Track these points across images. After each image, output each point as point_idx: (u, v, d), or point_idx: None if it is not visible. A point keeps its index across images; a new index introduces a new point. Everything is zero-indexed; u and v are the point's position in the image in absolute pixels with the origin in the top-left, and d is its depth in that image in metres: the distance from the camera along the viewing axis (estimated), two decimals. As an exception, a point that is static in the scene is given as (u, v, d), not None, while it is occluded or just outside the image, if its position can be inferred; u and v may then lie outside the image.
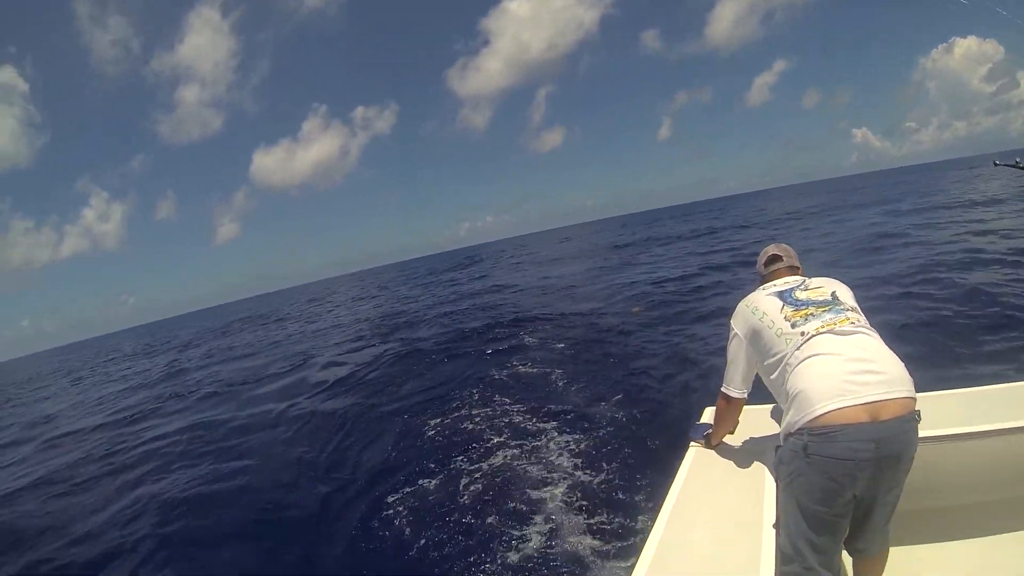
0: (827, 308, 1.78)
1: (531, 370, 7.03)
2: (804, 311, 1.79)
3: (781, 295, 1.89)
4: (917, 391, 1.61)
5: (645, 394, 5.53)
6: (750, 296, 1.99)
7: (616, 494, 3.85)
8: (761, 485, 1.89)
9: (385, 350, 10.34)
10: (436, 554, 3.57)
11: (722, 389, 2.02)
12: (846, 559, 1.83)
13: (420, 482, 4.56)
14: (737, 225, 27.68)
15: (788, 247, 2.15)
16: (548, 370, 6.86)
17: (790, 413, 1.66)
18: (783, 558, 1.62)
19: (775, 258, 2.11)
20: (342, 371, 9.37)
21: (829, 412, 1.54)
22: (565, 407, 5.54)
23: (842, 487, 1.56)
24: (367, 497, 4.53)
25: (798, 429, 1.61)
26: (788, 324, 1.77)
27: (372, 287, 38.99)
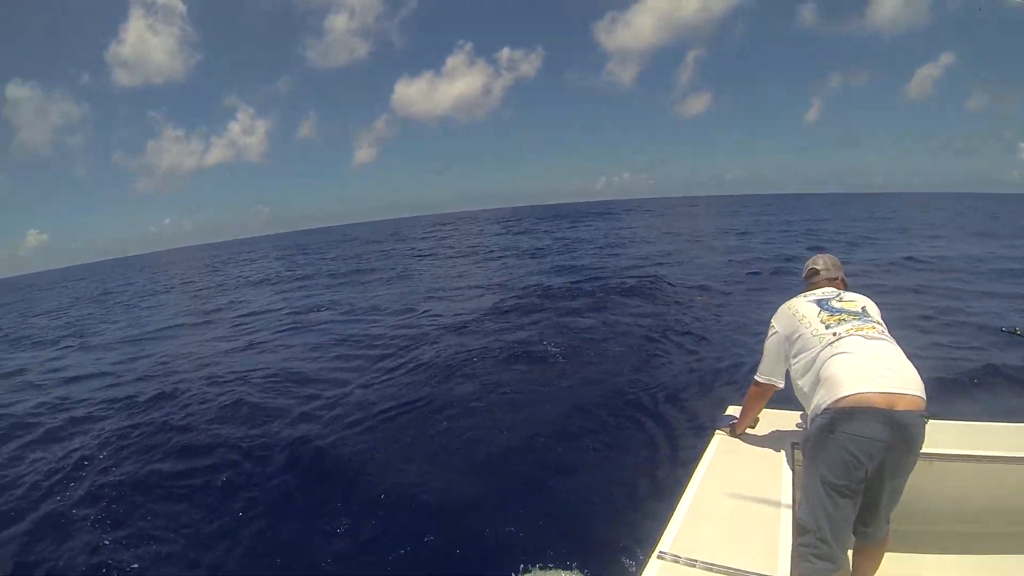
0: (857, 317, 2.05)
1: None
2: (838, 316, 2.06)
3: (819, 302, 2.16)
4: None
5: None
6: (792, 300, 2.26)
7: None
8: (779, 472, 2.14)
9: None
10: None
11: (755, 377, 2.29)
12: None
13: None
14: (898, 228, 24.79)
15: (829, 259, 2.40)
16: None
17: (819, 395, 1.89)
18: (800, 530, 1.84)
19: (814, 272, 2.39)
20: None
21: (853, 395, 1.78)
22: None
23: (859, 462, 1.77)
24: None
25: (824, 409, 1.84)
26: (823, 327, 2.04)
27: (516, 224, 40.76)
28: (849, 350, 1.90)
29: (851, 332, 1.96)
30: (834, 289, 2.27)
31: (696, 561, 1.63)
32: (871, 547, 2.04)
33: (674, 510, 1.90)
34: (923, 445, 1.84)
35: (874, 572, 2.06)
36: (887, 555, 2.20)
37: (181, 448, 5.15)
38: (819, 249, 3.06)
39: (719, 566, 1.61)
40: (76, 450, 5.40)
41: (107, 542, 3.74)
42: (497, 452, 4.52)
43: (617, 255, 17.88)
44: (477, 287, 13.33)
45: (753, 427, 2.50)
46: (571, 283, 12.03)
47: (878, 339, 1.95)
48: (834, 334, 1.98)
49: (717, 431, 2.53)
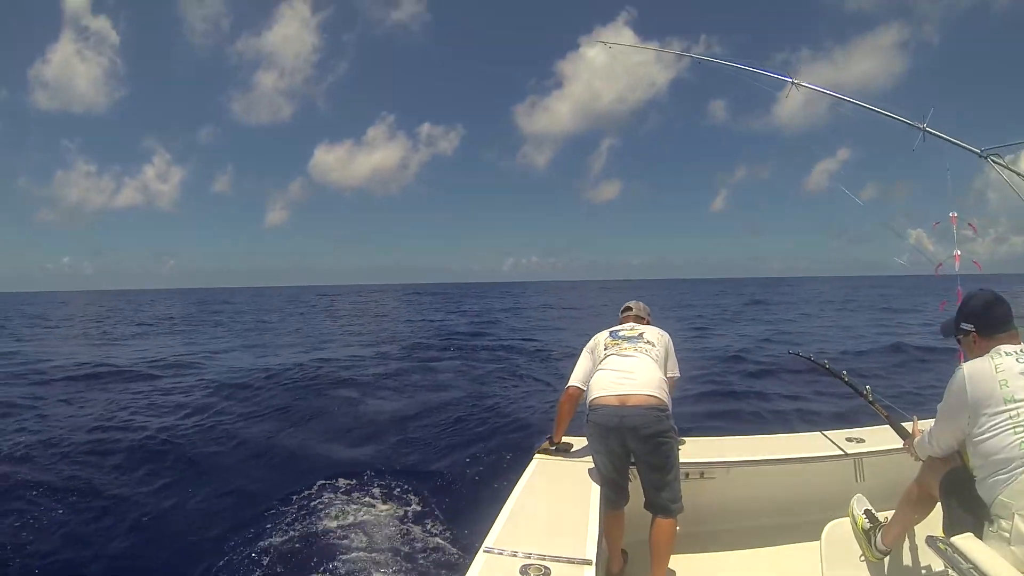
0: (628, 341, 2.68)
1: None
2: (616, 342, 2.71)
3: (612, 332, 2.83)
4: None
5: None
6: (602, 331, 2.88)
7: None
8: (588, 481, 2.52)
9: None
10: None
11: (567, 386, 2.77)
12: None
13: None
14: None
15: (639, 304, 3.03)
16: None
17: (588, 397, 2.60)
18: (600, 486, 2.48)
19: (627, 308, 3.02)
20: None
21: (597, 397, 2.54)
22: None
23: (606, 439, 2.47)
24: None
25: (587, 405, 2.59)
26: (604, 349, 2.71)
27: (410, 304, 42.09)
28: (606, 366, 2.61)
29: (613, 353, 2.63)
30: (632, 324, 2.87)
31: (518, 552, 1.83)
32: (658, 520, 2.48)
33: (499, 513, 2.14)
34: (714, 455, 2.74)
35: (668, 543, 2.46)
36: (693, 555, 2.71)
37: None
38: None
39: (537, 554, 1.81)
40: None
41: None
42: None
43: (497, 324, 20.51)
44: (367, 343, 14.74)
45: (568, 451, 2.87)
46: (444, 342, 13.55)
47: (630, 357, 2.59)
48: (606, 353, 2.67)
49: (537, 454, 2.88)
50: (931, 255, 3.55)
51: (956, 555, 1.52)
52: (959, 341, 1.90)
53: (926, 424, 2.09)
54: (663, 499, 2.47)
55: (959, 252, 3.34)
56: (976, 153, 3.94)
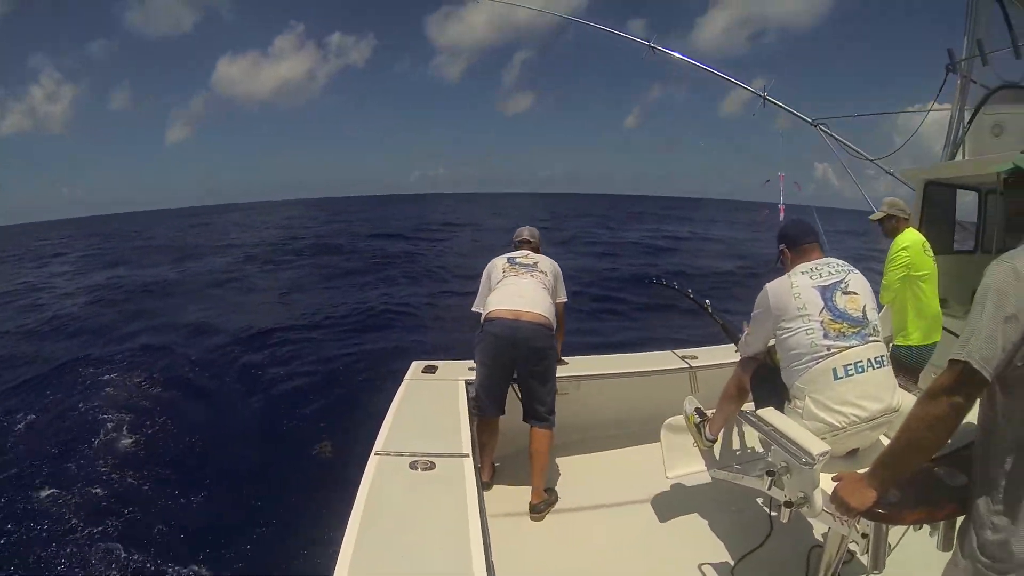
0: (524, 268, 2.95)
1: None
2: (513, 267, 2.96)
3: (508, 258, 3.01)
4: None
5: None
6: (498, 256, 3.06)
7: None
8: (456, 393, 2.79)
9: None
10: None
11: (473, 310, 2.99)
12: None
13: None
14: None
15: (529, 229, 3.27)
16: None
17: (485, 313, 2.82)
18: (475, 393, 2.78)
19: (521, 236, 3.21)
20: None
21: (493, 310, 2.75)
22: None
23: (498, 349, 2.68)
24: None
25: (482, 319, 2.81)
26: (502, 273, 2.92)
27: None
28: (503, 286, 2.86)
29: (510, 276, 2.90)
30: (527, 252, 3.09)
31: (404, 452, 1.98)
32: (539, 428, 2.73)
33: (382, 422, 2.31)
34: (575, 370, 3.04)
35: (545, 451, 2.72)
36: (567, 457, 3.05)
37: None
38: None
39: (422, 452, 2.00)
40: None
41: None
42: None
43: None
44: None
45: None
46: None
47: (525, 280, 2.86)
48: (504, 276, 2.92)
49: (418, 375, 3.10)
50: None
51: (760, 423, 1.91)
52: (780, 260, 2.25)
53: None
54: (541, 411, 2.74)
55: (783, 205, 4.65)
56: (808, 121, 5.23)
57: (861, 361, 1.88)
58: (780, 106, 5.14)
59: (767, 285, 2.09)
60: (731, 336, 3.23)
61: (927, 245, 3.41)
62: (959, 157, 4.42)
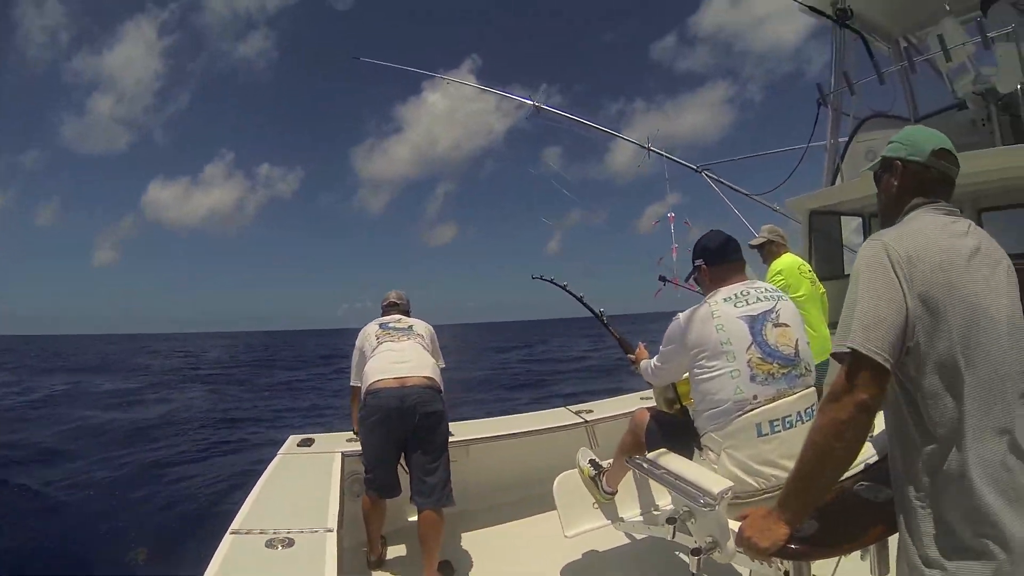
0: (400, 331, 2.77)
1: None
2: (387, 332, 2.77)
3: (381, 324, 2.85)
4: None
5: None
6: (369, 324, 2.90)
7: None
8: (329, 466, 2.60)
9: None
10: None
11: (350, 386, 2.83)
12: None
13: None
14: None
15: (404, 295, 3.13)
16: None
17: (363, 384, 2.58)
18: (365, 470, 2.52)
19: (390, 301, 3.06)
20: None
21: (374, 380, 2.52)
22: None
23: (387, 422, 2.44)
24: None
25: (364, 391, 2.56)
26: (376, 340, 2.73)
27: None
28: (381, 352, 2.64)
29: (386, 341, 2.69)
30: (399, 316, 2.94)
31: (263, 530, 1.86)
32: (430, 510, 2.38)
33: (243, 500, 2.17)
34: (462, 434, 2.81)
35: (437, 535, 2.37)
36: (470, 533, 2.78)
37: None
38: None
39: (282, 529, 1.87)
40: None
41: None
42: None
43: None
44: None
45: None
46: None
47: (403, 343, 2.68)
48: (378, 342, 2.71)
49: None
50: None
51: (651, 467, 1.72)
52: (696, 280, 1.94)
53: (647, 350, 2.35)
54: (434, 485, 2.42)
55: (676, 245, 4.60)
56: (693, 169, 5.39)
57: (790, 415, 1.62)
58: (665, 155, 5.25)
59: (680, 315, 1.80)
60: (626, 348, 2.92)
61: (804, 267, 3.37)
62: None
